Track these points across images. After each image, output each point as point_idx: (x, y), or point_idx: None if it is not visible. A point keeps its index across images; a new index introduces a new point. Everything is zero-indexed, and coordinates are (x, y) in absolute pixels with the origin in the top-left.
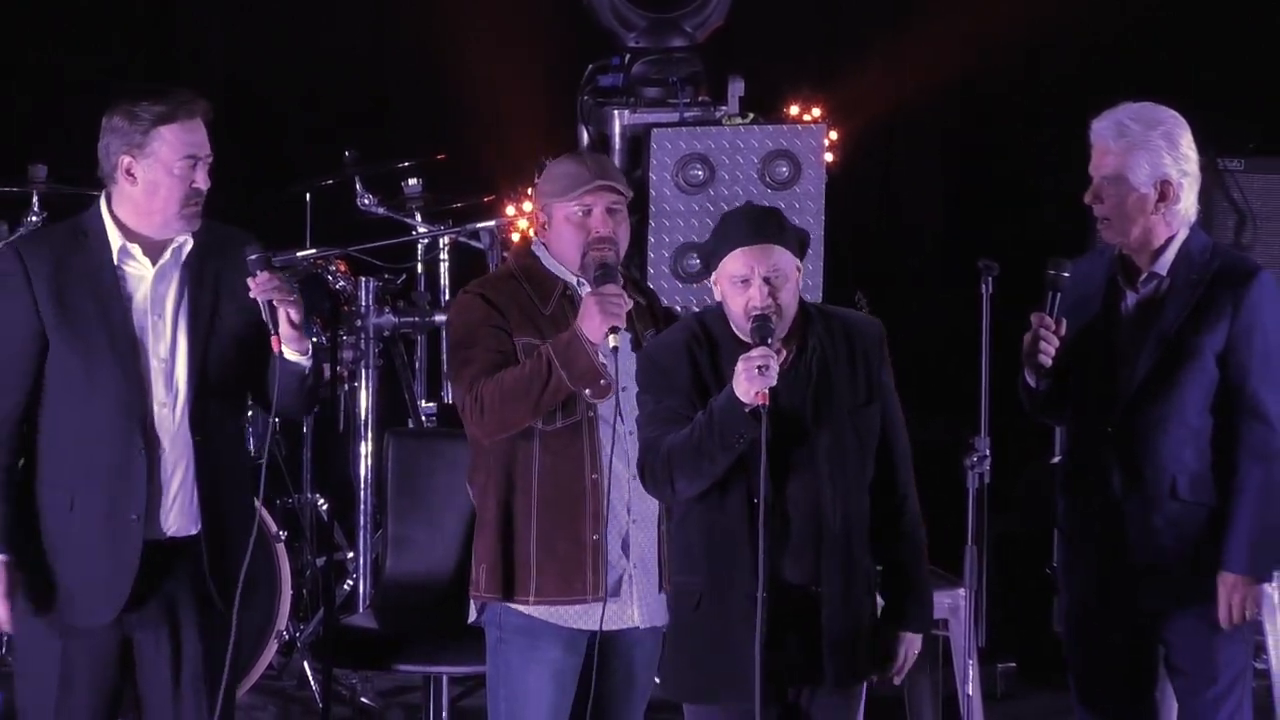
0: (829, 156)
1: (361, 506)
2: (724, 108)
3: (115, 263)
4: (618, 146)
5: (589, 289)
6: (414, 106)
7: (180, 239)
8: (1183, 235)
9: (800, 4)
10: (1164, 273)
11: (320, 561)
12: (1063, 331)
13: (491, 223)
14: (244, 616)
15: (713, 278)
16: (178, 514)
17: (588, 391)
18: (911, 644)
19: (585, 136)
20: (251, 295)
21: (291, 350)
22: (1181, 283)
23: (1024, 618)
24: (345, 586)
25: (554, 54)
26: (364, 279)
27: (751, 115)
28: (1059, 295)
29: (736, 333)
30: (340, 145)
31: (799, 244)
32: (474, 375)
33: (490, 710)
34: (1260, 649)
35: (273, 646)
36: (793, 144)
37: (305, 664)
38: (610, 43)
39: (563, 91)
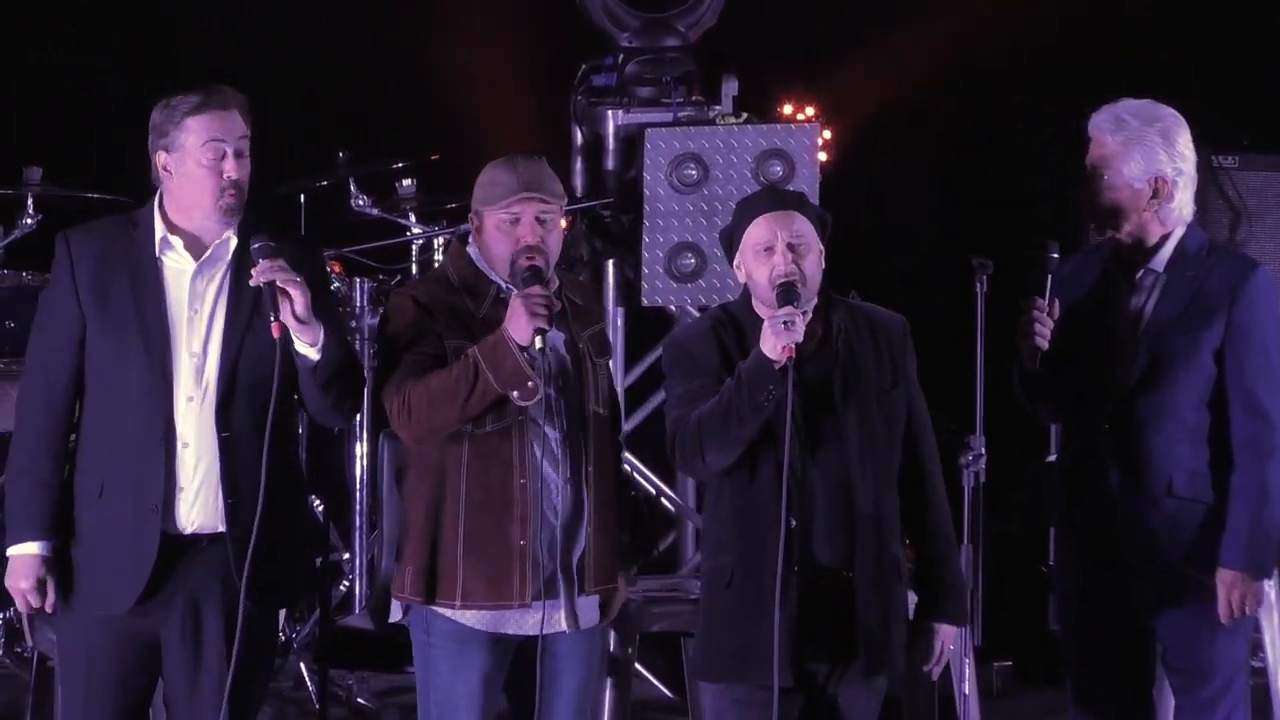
0: (822, 155)
1: (357, 507)
2: (717, 107)
3: (156, 254)
4: (611, 146)
5: (509, 300)
6: (407, 107)
7: (225, 235)
8: (1179, 232)
9: (793, 3)
10: (1160, 269)
11: (316, 562)
12: (1056, 313)
13: None
14: (272, 622)
15: (735, 261)
16: (201, 510)
17: (515, 394)
18: (947, 636)
19: (579, 136)
20: (252, 283)
21: (300, 342)
22: (1178, 279)
23: (1020, 616)
24: (341, 587)
25: (547, 54)
26: (358, 280)
27: (745, 115)
28: (1050, 276)
29: (760, 311)
30: (334, 146)
31: (820, 221)
32: (401, 378)
33: (420, 714)
34: (1257, 646)
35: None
36: (786, 143)
37: (302, 665)
38: (604, 42)
39: (556, 91)
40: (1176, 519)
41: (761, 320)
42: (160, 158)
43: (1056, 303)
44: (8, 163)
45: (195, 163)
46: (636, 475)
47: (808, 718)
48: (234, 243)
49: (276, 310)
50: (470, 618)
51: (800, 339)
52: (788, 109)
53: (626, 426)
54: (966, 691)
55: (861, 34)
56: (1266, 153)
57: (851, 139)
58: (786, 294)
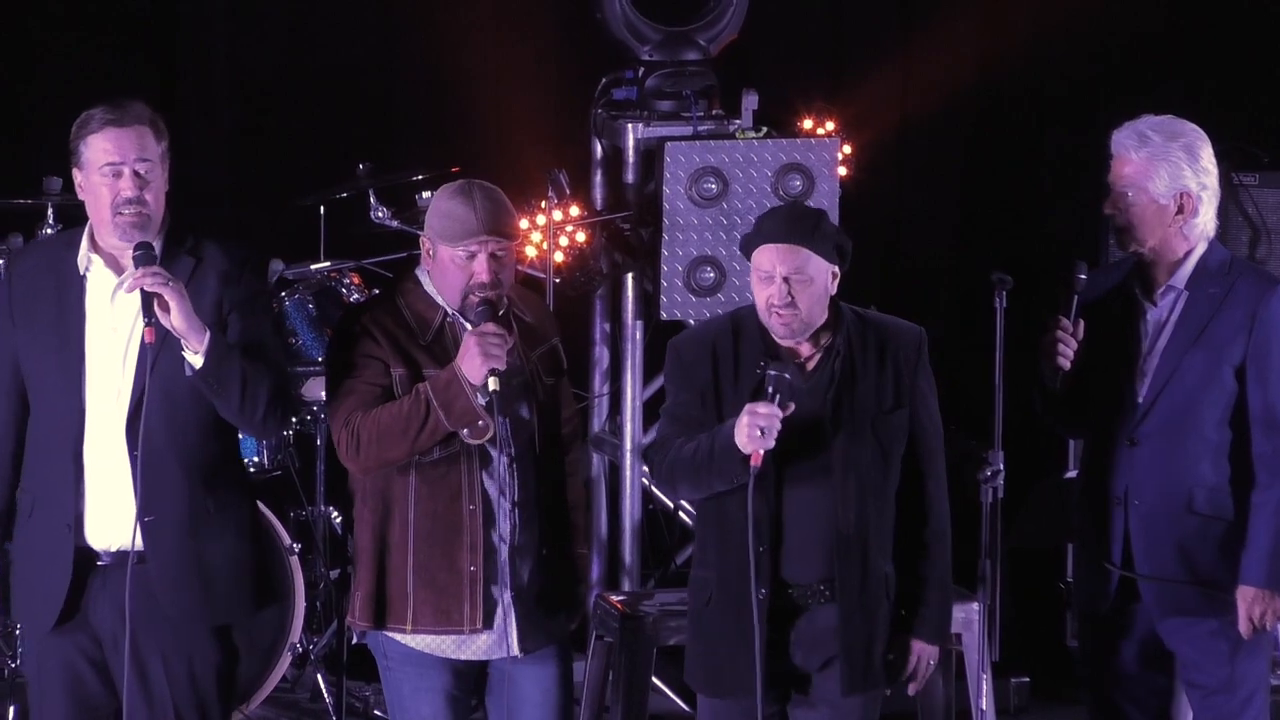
0: (842, 170)
1: None
2: (737, 121)
3: (81, 273)
4: (631, 159)
5: (469, 325)
6: (427, 119)
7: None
8: (1201, 249)
9: (813, 17)
10: (1182, 286)
11: (334, 574)
12: (1080, 334)
13: None
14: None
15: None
16: (117, 528)
17: (465, 432)
18: (923, 653)
19: (599, 149)
20: (126, 290)
21: (186, 349)
22: (1199, 296)
23: (1038, 632)
24: None
25: (567, 67)
26: (377, 292)
27: (765, 129)
28: (1076, 297)
29: (764, 322)
30: (354, 158)
31: (837, 250)
32: (350, 408)
33: None
34: (1277, 664)
35: (286, 659)
36: (806, 157)
37: (319, 676)
38: (624, 56)
39: (576, 105)
40: (1198, 536)
41: (760, 330)
42: (75, 176)
43: (1081, 323)
44: (29, 172)
45: (96, 181)
46: (654, 488)
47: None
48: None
49: (151, 315)
50: (422, 642)
51: (771, 445)
52: (808, 123)
53: (644, 439)
54: (984, 707)
55: (882, 49)
56: None
57: (871, 154)
58: (776, 382)
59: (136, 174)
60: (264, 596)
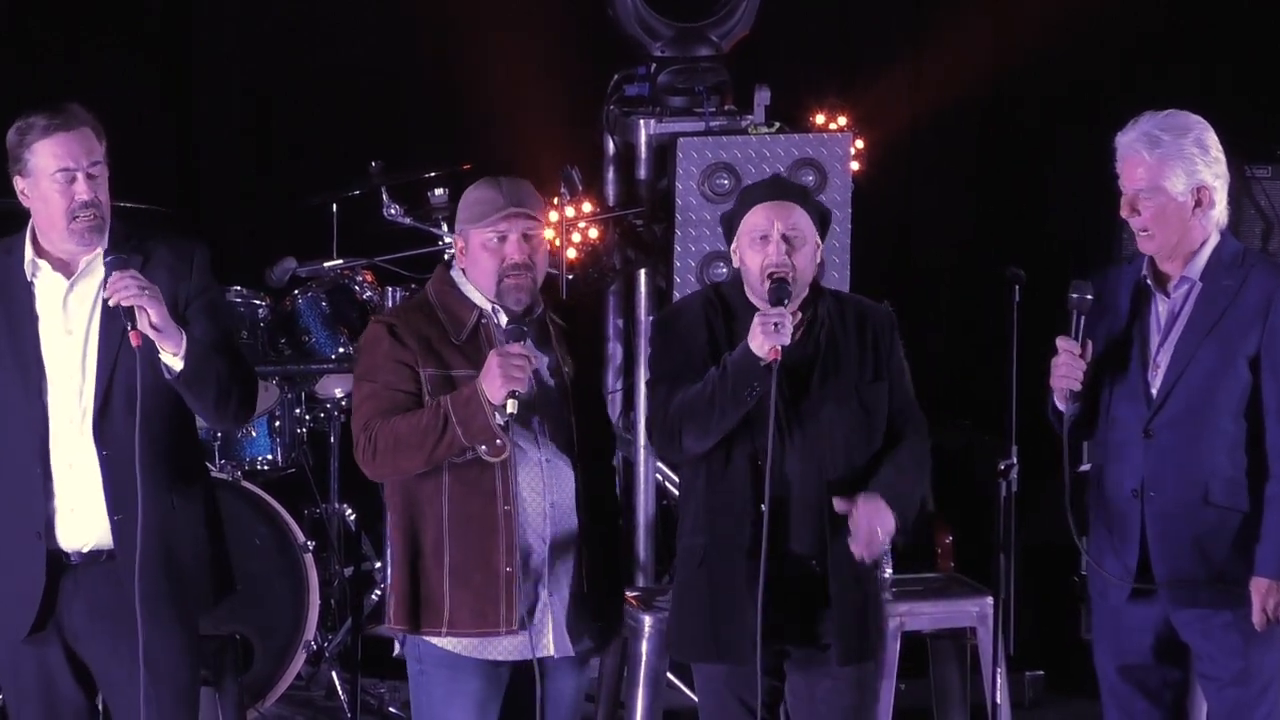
0: (855, 165)
1: (388, 517)
2: (750, 117)
3: (28, 279)
4: (644, 156)
5: (503, 320)
6: (439, 116)
7: (97, 251)
8: (1214, 240)
9: (825, 13)
10: (1196, 277)
11: (348, 571)
12: (1089, 355)
13: None
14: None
15: (732, 246)
16: (89, 530)
17: (483, 449)
18: (871, 512)
19: (611, 146)
20: (106, 299)
21: (164, 351)
22: (1213, 287)
23: (1052, 626)
24: (373, 596)
25: (580, 63)
26: (391, 289)
27: (777, 124)
28: (1083, 318)
29: (751, 298)
30: (366, 156)
31: (820, 217)
32: (370, 414)
33: None
34: None
35: (301, 657)
36: (818, 152)
37: (334, 674)
38: (636, 52)
39: (588, 101)
40: (1214, 528)
41: (751, 306)
42: (18, 183)
43: (1089, 344)
44: None
45: (47, 187)
46: (669, 484)
47: (781, 702)
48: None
49: (133, 320)
50: (458, 644)
51: (787, 341)
52: (820, 119)
53: None
54: (999, 700)
55: (894, 45)
56: None
57: (884, 149)
58: (778, 291)
59: (90, 177)
60: (223, 587)
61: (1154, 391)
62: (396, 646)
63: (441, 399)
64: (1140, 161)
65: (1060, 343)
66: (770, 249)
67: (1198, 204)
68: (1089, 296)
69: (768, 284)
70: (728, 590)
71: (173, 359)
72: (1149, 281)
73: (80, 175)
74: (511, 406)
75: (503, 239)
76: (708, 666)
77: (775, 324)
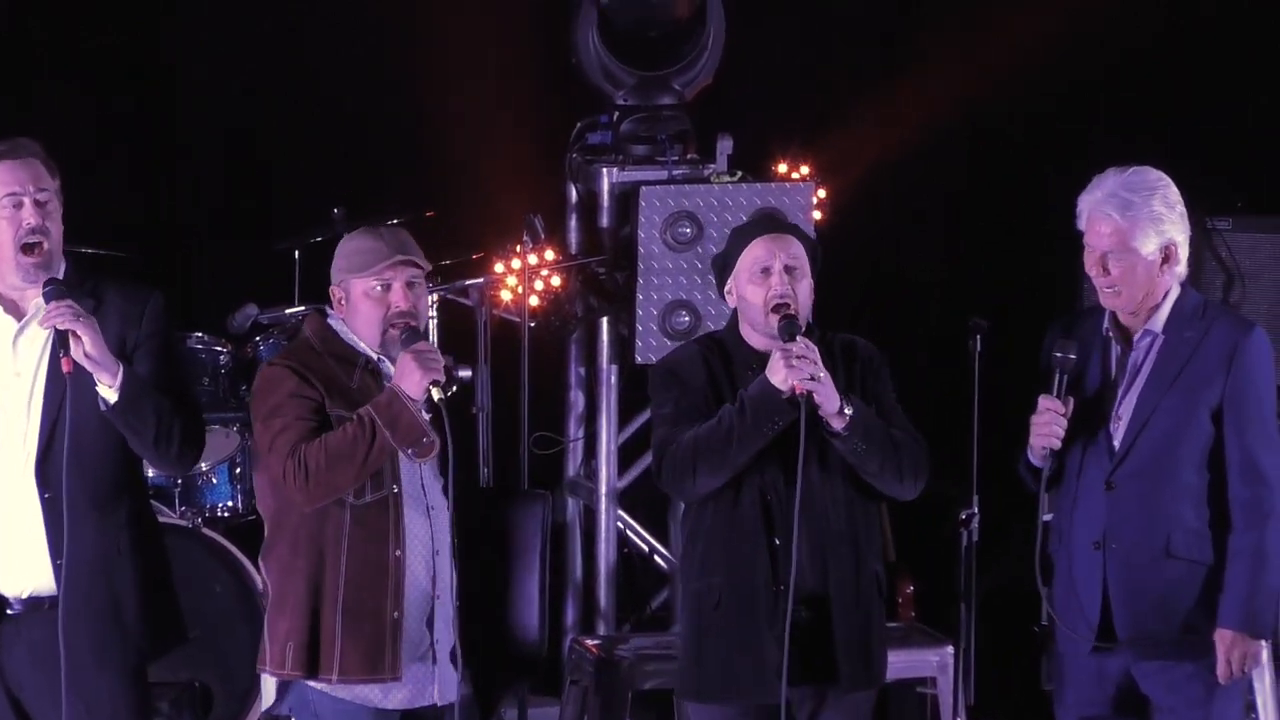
0: (817, 214)
1: None
2: (712, 165)
3: None
4: (606, 204)
5: (397, 359)
6: (402, 164)
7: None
8: (1175, 293)
9: (788, 63)
10: (1159, 330)
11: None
12: (1069, 411)
13: (479, 280)
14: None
15: (727, 285)
16: (30, 574)
17: (410, 451)
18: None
19: (574, 193)
20: (42, 326)
21: (100, 383)
22: (1175, 339)
23: (1013, 676)
24: None
25: (542, 111)
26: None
27: (740, 173)
28: (1065, 376)
29: (749, 340)
30: (329, 203)
31: (813, 250)
32: (293, 441)
33: None
34: (1250, 708)
35: (260, 703)
36: (780, 201)
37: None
38: (599, 100)
39: (551, 149)
40: (1176, 579)
41: (749, 348)
42: None
43: (1071, 401)
44: None
45: None
46: (630, 533)
47: None
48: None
49: (66, 347)
50: (350, 692)
51: (821, 373)
52: (782, 168)
53: (620, 484)
54: None
55: (856, 94)
56: (1259, 214)
57: (846, 198)
58: (789, 327)
59: (38, 204)
60: (169, 636)
61: (1116, 444)
62: (270, 696)
63: (361, 410)
64: (1110, 223)
65: (1042, 401)
66: (773, 280)
67: (1164, 260)
68: (1072, 356)
69: (775, 319)
70: (746, 628)
71: (107, 390)
72: (1110, 334)
73: (28, 200)
74: (436, 394)
75: (387, 287)
76: (712, 708)
77: (799, 356)
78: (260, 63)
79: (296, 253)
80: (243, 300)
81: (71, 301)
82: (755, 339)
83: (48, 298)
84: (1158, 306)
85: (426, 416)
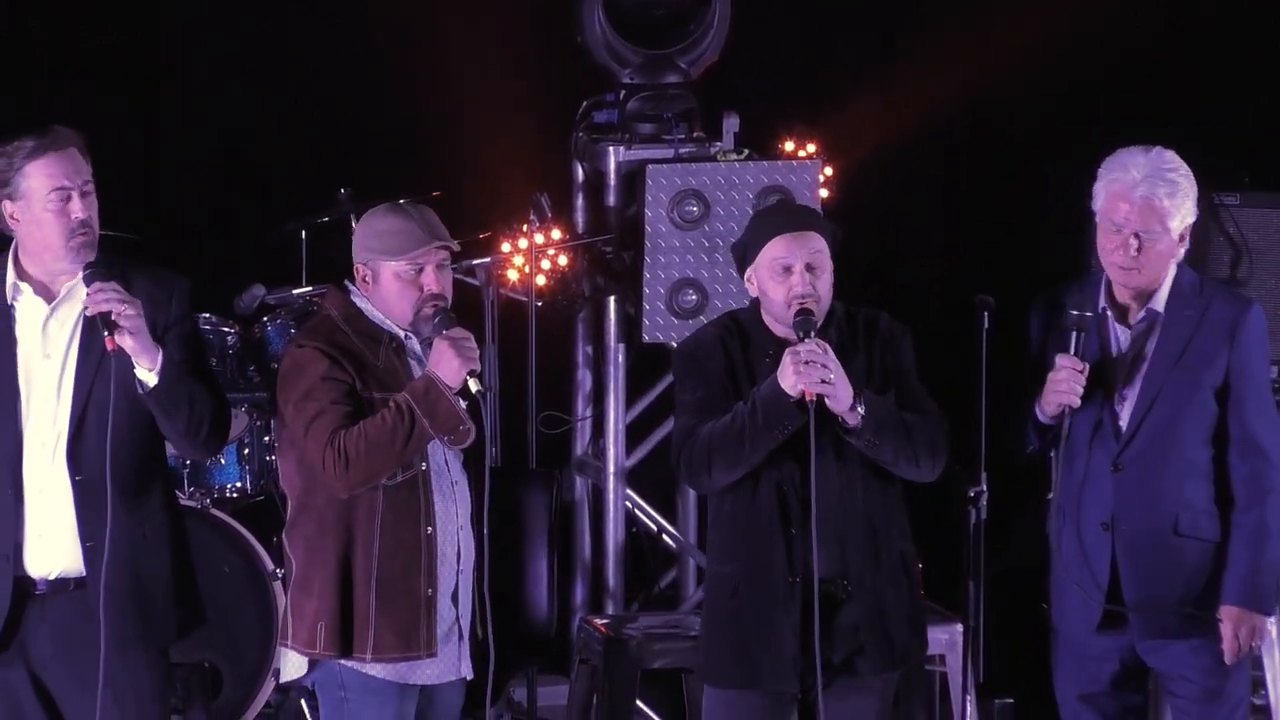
0: (824, 192)
1: None
2: (718, 144)
3: (8, 302)
4: (613, 182)
5: (429, 339)
6: (409, 144)
7: (77, 277)
8: (1173, 271)
9: (795, 40)
10: (1160, 309)
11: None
12: (1087, 371)
13: (486, 259)
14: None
15: (747, 274)
16: (59, 555)
17: (447, 438)
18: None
19: (580, 173)
20: (88, 307)
21: (139, 366)
22: (1176, 318)
23: (1021, 654)
24: None
25: (549, 90)
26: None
27: (746, 151)
28: (1082, 335)
29: (770, 327)
30: (335, 183)
31: (833, 236)
32: (331, 428)
33: None
34: (1259, 684)
35: (270, 684)
36: (787, 179)
37: (302, 702)
38: (605, 79)
39: (557, 128)
40: (1183, 557)
41: (768, 332)
42: (5, 207)
43: (1087, 363)
44: None
45: (42, 208)
46: (638, 511)
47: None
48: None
49: (111, 328)
50: (379, 669)
51: (831, 379)
52: (789, 145)
53: (628, 463)
54: None
55: (863, 71)
56: (1267, 190)
57: (853, 176)
58: (804, 324)
59: (84, 195)
60: (191, 620)
61: (1123, 424)
62: (298, 671)
63: (397, 397)
64: (1150, 203)
65: (1061, 360)
66: (794, 280)
67: (1180, 240)
68: (1088, 314)
69: (795, 319)
70: (761, 616)
71: (147, 374)
72: (1108, 311)
73: (75, 194)
74: (474, 385)
75: (419, 270)
76: (731, 698)
77: (806, 362)
78: (263, 44)
79: (303, 233)
80: (249, 281)
81: (116, 284)
82: (775, 326)
83: (89, 279)
84: (1159, 285)
85: (463, 404)
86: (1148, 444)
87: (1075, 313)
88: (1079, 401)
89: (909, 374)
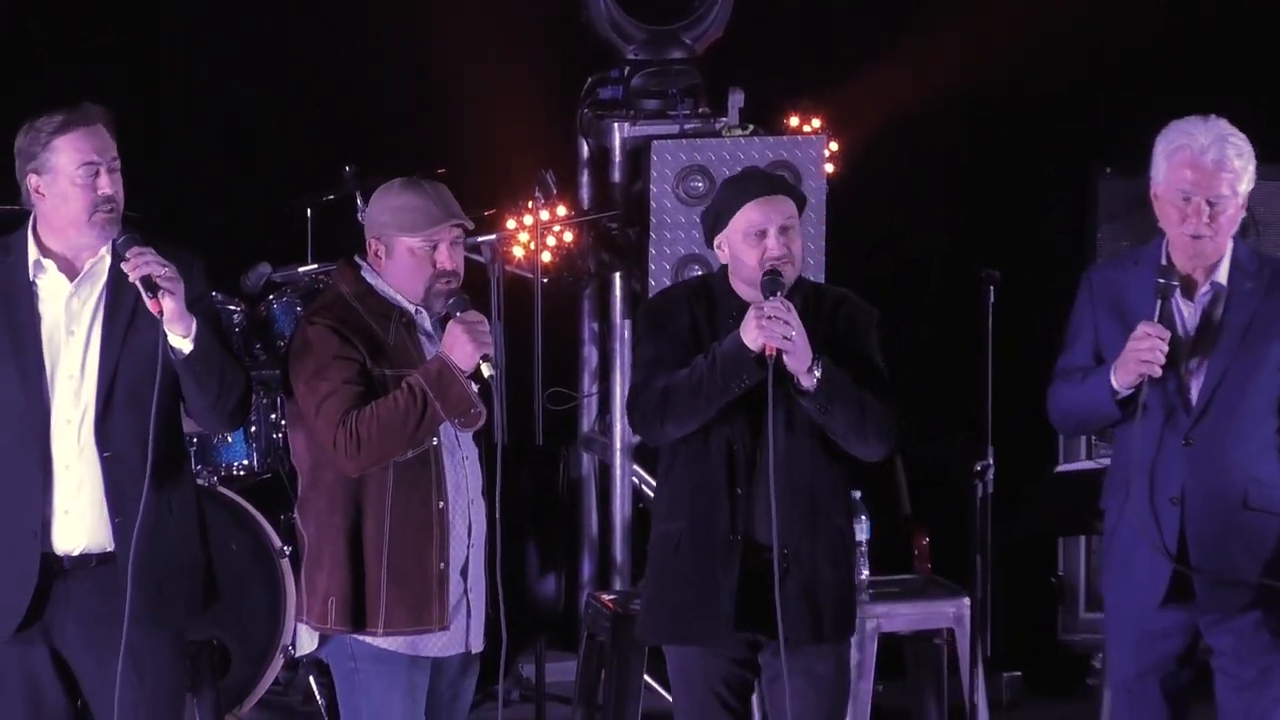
0: (829, 167)
1: None
2: (724, 119)
3: (30, 278)
4: (618, 159)
5: (440, 316)
6: (413, 121)
7: (100, 253)
8: (1231, 244)
9: (799, 15)
10: (1223, 280)
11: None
12: (1168, 339)
13: (491, 236)
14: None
15: (718, 240)
16: (86, 531)
17: (458, 421)
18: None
19: (585, 149)
20: (130, 275)
21: (174, 334)
22: (1239, 292)
23: (1029, 627)
24: None
25: (553, 66)
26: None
27: (751, 126)
28: (1165, 304)
29: (738, 291)
30: (340, 160)
31: (801, 202)
32: (342, 409)
33: None
34: None
35: (278, 662)
36: (793, 154)
37: (310, 679)
38: (609, 55)
39: (562, 104)
40: (1252, 531)
41: (733, 294)
42: (31, 181)
43: (1169, 332)
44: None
45: (69, 183)
46: (645, 487)
47: (754, 693)
48: (109, 260)
49: (154, 289)
50: (390, 641)
51: (792, 334)
52: (794, 121)
53: (634, 439)
54: (976, 701)
55: (868, 46)
56: (1276, 163)
57: (858, 151)
58: (772, 284)
59: (111, 171)
60: (211, 595)
61: (1193, 399)
62: (309, 645)
63: (409, 380)
64: (1222, 165)
65: (1145, 326)
66: (770, 242)
67: (1241, 207)
68: (1175, 283)
69: (763, 278)
70: (703, 573)
71: (182, 341)
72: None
73: (103, 169)
74: (487, 369)
75: (434, 247)
76: (680, 657)
77: (770, 317)
78: (267, 22)
79: (309, 211)
80: (255, 259)
81: (153, 252)
82: (743, 289)
83: (126, 244)
84: (1221, 256)
85: (475, 387)
86: (1218, 419)
87: (1163, 281)
88: (1160, 371)
89: (871, 357)
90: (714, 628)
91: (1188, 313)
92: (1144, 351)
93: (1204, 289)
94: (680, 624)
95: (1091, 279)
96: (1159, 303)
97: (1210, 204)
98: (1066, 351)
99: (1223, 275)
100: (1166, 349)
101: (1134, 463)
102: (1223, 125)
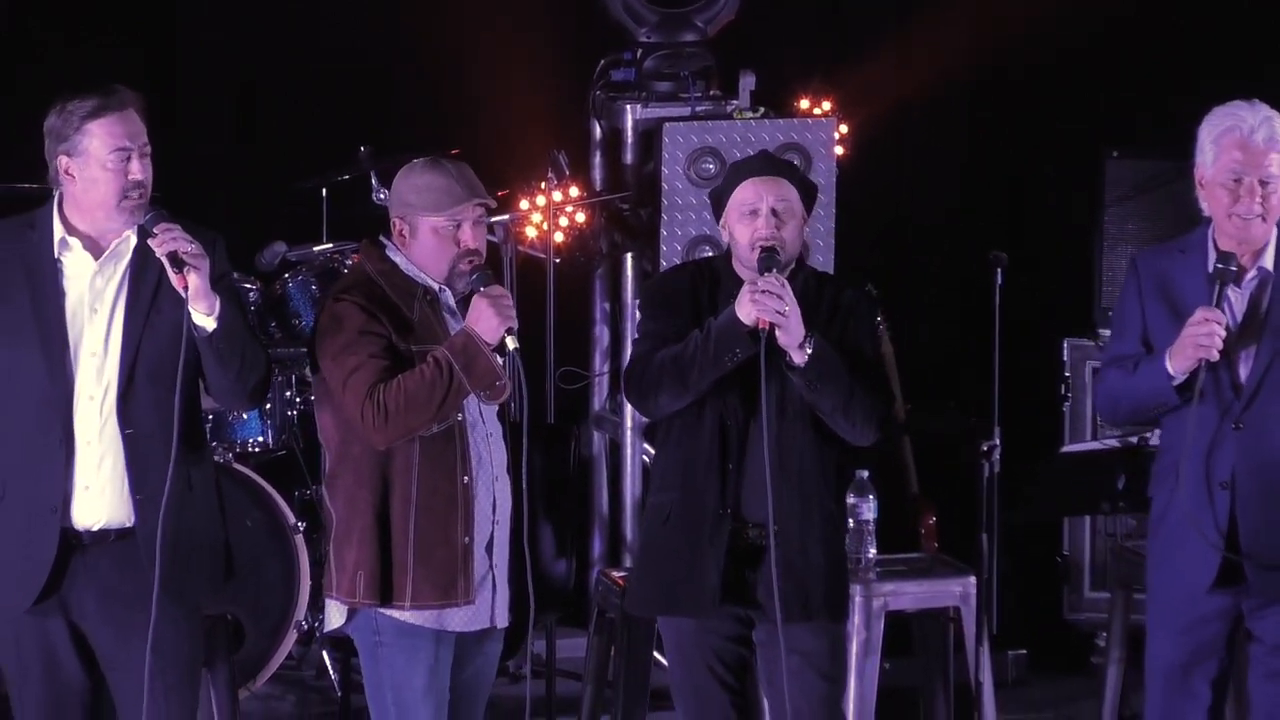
0: (839, 150)
1: None
2: (735, 101)
3: (55, 256)
4: (630, 140)
5: (464, 294)
6: (427, 101)
7: (125, 233)
8: (1275, 231)
9: None
10: (1270, 266)
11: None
12: (1225, 324)
13: (505, 216)
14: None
15: (721, 221)
16: (108, 507)
17: (484, 394)
18: (793, 331)
19: (597, 130)
20: (157, 251)
21: (198, 311)
22: None
23: (1035, 605)
24: None
25: (566, 49)
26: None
27: (762, 109)
28: (1225, 289)
29: (739, 273)
30: (355, 140)
31: (806, 192)
32: (370, 382)
33: (377, 712)
34: None
35: (291, 637)
36: (803, 137)
37: (324, 654)
38: (622, 37)
39: (574, 86)
40: None
41: (738, 279)
42: (61, 162)
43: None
44: (18, 161)
45: (100, 166)
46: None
47: (749, 669)
48: (134, 240)
49: (179, 264)
50: (416, 615)
51: (785, 309)
52: (804, 103)
53: (644, 418)
54: (982, 679)
55: (878, 30)
56: None
57: (868, 133)
58: (767, 260)
59: (143, 156)
60: (229, 571)
61: (1242, 383)
62: (338, 620)
63: (436, 352)
64: (1277, 149)
65: (1203, 312)
66: (759, 222)
67: None
68: (1234, 269)
69: (757, 253)
70: (692, 545)
71: (205, 319)
72: (1222, 272)
73: (135, 155)
74: (511, 342)
75: (458, 226)
76: (675, 631)
77: (764, 291)
78: (281, 2)
79: (324, 190)
80: (271, 238)
81: (181, 229)
82: (743, 271)
83: (152, 222)
84: (1268, 241)
85: (500, 361)
86: (1269, 403)
87: (1221, 265)
88: (1218, 355)
89: (865, 346)
90: (700, 600)
91: (1235, 298)
92: (1202, 336)
93: (1251, 274)
94: (668, 595)
95: (1138, 267)
96: (1217, 287)
97: (1263, 184)
98: (1116, 340)
99: (1269, 260)
100: (1224, 334)
101: (1185, 449)
102: (1266, 108)
